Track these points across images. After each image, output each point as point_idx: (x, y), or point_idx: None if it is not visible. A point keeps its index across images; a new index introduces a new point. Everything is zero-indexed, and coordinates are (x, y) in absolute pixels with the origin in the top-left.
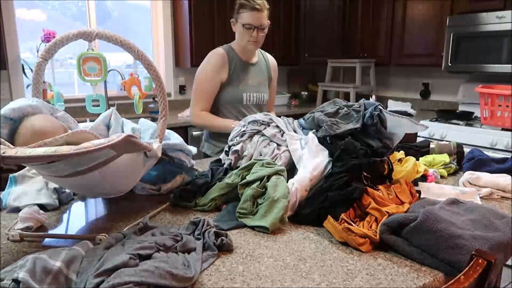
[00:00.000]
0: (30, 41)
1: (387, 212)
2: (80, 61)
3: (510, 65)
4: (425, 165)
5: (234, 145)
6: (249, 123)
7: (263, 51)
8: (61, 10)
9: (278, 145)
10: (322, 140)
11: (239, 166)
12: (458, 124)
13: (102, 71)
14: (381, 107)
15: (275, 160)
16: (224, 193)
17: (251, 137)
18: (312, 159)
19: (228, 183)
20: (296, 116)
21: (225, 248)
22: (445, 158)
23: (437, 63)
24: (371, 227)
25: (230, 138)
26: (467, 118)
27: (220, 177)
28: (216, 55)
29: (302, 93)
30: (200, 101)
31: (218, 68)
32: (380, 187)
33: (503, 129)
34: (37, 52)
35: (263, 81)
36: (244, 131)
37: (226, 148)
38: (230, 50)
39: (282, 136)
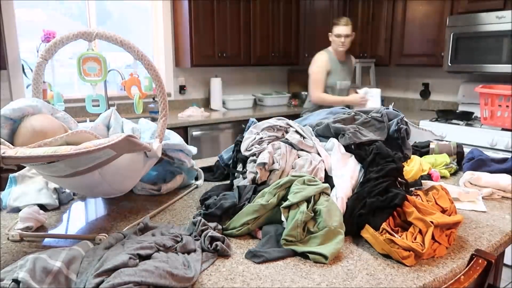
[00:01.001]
0: (30, 41)
1: (432, 222)
2: (80, 61)
3: (510, 65)
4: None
5: (254, 155)
6: (263, 130)
7: (350, 54)
8: (61, 10)
9: (307, 152)
10: (345, 147)
11: (266, 181)
12: (458, 124)
13: (102, 71)
14: (406, 120)
15: (315, 173)
16: (258, 216)
17: (272, 144)
18: (343, 167)
19: (262, 205)
20: (296, 116)
21: (220, 253)
22: (445, 158)
23: (437, 63)
24: (415, 239)
25: (244, 147)
26: (467, 118)
27: (249, 197)
28: (322, 55)
29: (302, 93)
30: (318, 87)
31: (325, 63)
32: (419, 193)
33: (503, 129)
34: (37, 52)
35: (349, 73)
36: (261, 138)
37: (238, 157)
38: (329, 52)
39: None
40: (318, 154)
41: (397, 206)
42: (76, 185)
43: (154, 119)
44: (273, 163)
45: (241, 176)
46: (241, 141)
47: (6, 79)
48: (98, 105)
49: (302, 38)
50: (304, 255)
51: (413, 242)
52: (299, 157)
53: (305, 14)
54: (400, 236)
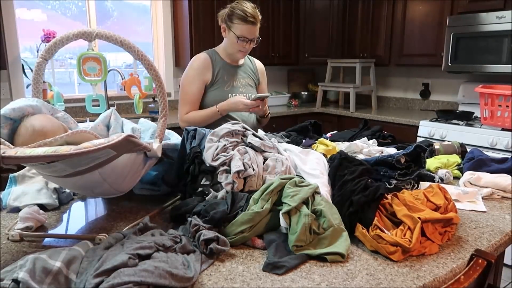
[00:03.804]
0: (30, 41)
1: (419, 218)
2: (80, 61)
3: (510, 65)
4: (440, 166)
5: (224, 164)
6: (222, 136)
7: (249, 56)
8: (61, 10)
9: (269, 153)
10: None
11: (243, 189)
12: (458, 124)
13: (102, 71)
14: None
15: (288, 172)
16: (253, 224)
17: (237, 150)
18: (308, 163)
19: (257, 212)
20: (296, 116)
21: (215, 256)
22: (457, 159)
23: (437, 63)
24: (405, 235)
25: (209, 157)
26: (467, 118)
27: (242, 205)
28: (198, 58)
29: (302, 93)
30: (185, 104)
31: (201, 70)
32: (405, 191)
33: (503, 129)
34: (37, 52)
35: (251, 83)
36: (225, 145)
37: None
38: (214, 53)
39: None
40: (278, 153)
41: (382, 197)
42: (76, 185)
43: (154, 119)
44: (246, 169)
45: (211, 190)
46: (199, 153)
47: (6, 79)
48: (98, 105)
49: (302, 38)
50: (310, 256)
51: (402, 238)
52: (265, 159)
53: (305, 14)
54: (391, 233)
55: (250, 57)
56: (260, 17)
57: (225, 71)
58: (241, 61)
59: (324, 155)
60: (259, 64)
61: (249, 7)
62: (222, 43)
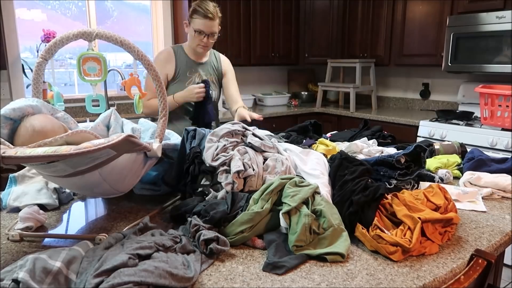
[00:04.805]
0: (30, 41)
1: (420, 218)
2: (80, 61)
3: (510, 65)
4: (440, 166)
5: (224, 164)
6: (222, 136)
7: (216, 52)
8: (61, 10)
9: (268, 153)
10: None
11: (242, 189)
12: (458, 124)
13: (102, 71)
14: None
15: (288, 172)
16: (253, 224)
17: (237, 150)
18: (309, 163)
19: (258, 212)
20: (296, 116)
21: (215, 256)
22: (457, 159)
23: (437, 63)
24: (405, 235)
25: (209, 157)
26: (467, 118)
27: (242, 206)
28: (163, 52)
29: (302, 93)
30: (148, 94)
31: (163, 63)
32: (405, 191)
33: (503, 129)
34: (37, 52)
35: (213, 79)
36: (225, 145)
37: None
38: (179, 49)
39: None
40: (278, 153)
41: (382, 197)
42: (76, 185)
43: (154, 119)
44: (246, 169)
45: (211, 190)
46: (199, 153)
47: (6, 79)
48: (98, 105)
49: (302, 38)
50: (310, 256)
51: (402, 238)
52: (265, 159)
53: (305, 14)
54: (391, 233)
55: (216, 52)
56: (219, 14)
57: (187, 67)
58: (205, 58)
59: (324, 155)
60: (223, 58)
61: (209, 4)
62: (187, 40)
